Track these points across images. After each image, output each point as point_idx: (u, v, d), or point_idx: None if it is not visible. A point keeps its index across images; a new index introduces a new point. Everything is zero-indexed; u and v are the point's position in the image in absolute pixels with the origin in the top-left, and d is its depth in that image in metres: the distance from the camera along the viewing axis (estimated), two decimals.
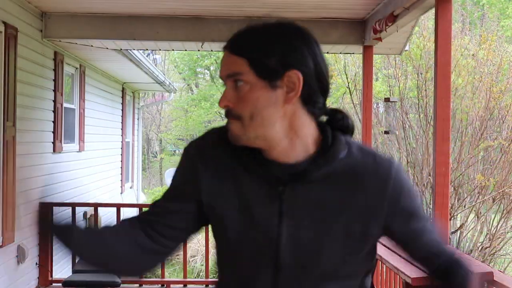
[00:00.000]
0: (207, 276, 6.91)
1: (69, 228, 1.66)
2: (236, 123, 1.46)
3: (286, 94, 1.44)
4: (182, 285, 6.89)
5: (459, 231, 10.05)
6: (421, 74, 10.38)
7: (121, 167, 11.99)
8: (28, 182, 6.34)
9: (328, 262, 1.47)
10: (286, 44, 1.47)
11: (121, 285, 5.69)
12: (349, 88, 11.36)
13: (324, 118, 1.52)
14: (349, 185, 1.47)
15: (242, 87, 1.45)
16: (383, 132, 8.01)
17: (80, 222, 7.88)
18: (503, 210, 10.13)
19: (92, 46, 7.23)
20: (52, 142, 7.22)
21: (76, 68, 8.38)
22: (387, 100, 7.27)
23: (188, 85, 28.77)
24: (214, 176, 1.51)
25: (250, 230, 1.48)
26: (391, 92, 10.94)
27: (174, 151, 28.49)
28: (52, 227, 1.62)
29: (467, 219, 10.18)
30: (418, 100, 10.39)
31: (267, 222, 1.47)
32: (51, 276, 6.75)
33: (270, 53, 1.46)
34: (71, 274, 6.10)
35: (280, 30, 1.50)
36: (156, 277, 6.81)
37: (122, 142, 11.95)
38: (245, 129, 1.46)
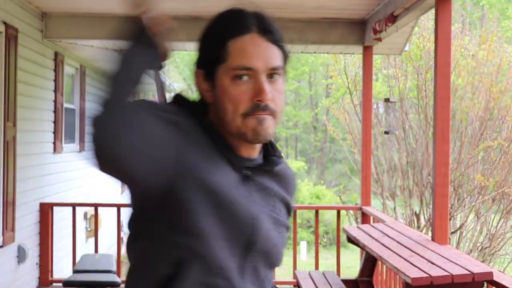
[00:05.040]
0: None
1: None
2: (271, 119, 1.38)
3: None
4: None
5: (459, 231, 10.05)
6: (421, 74, 10.38)
7: None
8: (28, 182, 6.35)
9: (279, 251, 1.47)
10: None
11: (121, 285, 5.69)
12: (349, 89, 11.36)
13: None
14: (282, 183, 1.49)
15: (277, 81, 1.38)
16: (383, 132, 8.01)
17: None
18: (503, 210, 10.14)
19: (92, 46, 7.24)
20: (53, 142, 7.23)
21: (77, 69, 8.39)
22: (387, 100, 7.28)
23: (188, 85, 28.82)
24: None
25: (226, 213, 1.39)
26: (391, 92, 10.94)
27: None
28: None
29: (467, 219, 10.19)
30: (418, 100, 10.40)
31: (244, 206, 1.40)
32: (52, 276, 6.76)
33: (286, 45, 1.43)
34: (71, 274, 6.11)
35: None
36: None
37: None
38: (274, 126, 1.39)
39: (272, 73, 1.36)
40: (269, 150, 1.48)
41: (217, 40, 1.37)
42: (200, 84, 1.43)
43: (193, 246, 1.32)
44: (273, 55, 1.37)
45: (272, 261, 1.47)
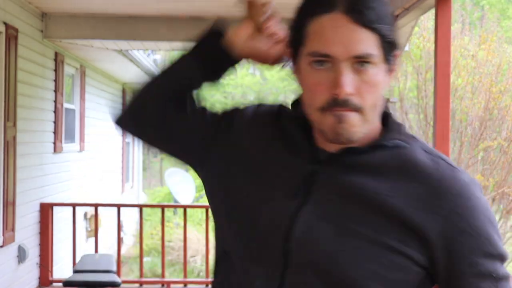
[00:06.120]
0: (207, 276, 6.92)
1: None
2: (355, 116, 1.13)
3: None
4: (182, 285, 6.89)
5: None
6: (421, 74, 10.39)
7: (121, 167, 12.00)
8: (28, 182, 6.35)
9: (342, 262, 1.13)
10: (392, 13, 1.17)
11: (121, 285, 5.69)
12: None
13: None
14: (397, 181, 1.15)
15: (368, 72, 1.12)
16: None
17: None
18: (503, 210, 10.15)
19: (92, 46, 7.24)
20: (53, 142, 7.23)
21: (77, 69, 8.39)
22: (386, 100, 7.29)
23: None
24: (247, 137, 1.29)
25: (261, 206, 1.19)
26: (391, 92, 10.95)
27: None
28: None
29: None
30: (418, 100, 10.41)
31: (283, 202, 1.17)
32: (52, 276, 6.76)
33: (394, 28, 1.15)
34: (71, 274, 6.11)
35: None
36: (156, 277, 6.81)
37: (122, 142, 11.96)
38: (363, 124, 1.14)
39: (360, 62, 1.12)
40: (383, 135, 1.21)
41: (298, 18, 1.17)
42: (292, 65, 1.23)
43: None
44: (359, 40, 1.11)
45: (333, 280, 1.12)
